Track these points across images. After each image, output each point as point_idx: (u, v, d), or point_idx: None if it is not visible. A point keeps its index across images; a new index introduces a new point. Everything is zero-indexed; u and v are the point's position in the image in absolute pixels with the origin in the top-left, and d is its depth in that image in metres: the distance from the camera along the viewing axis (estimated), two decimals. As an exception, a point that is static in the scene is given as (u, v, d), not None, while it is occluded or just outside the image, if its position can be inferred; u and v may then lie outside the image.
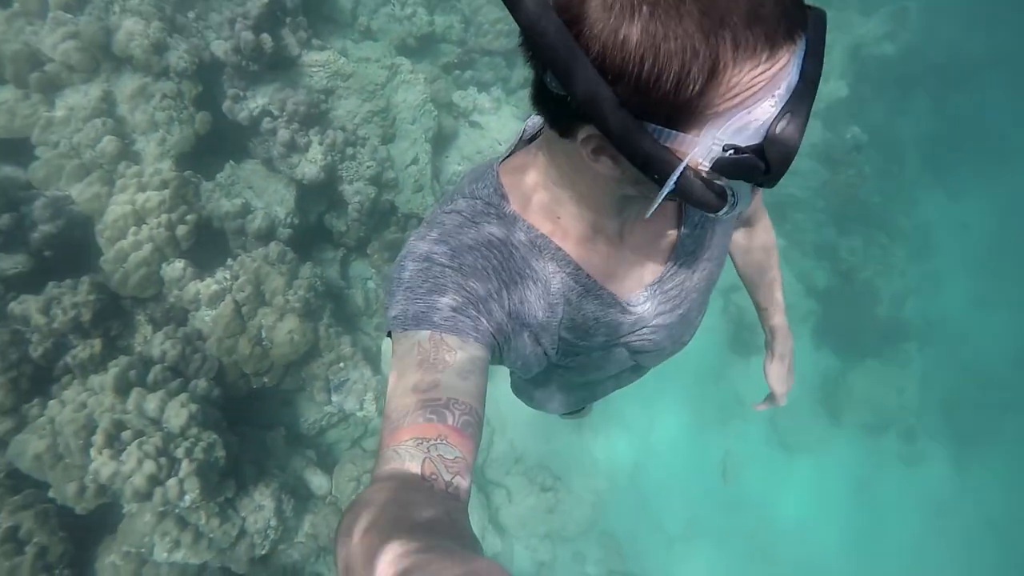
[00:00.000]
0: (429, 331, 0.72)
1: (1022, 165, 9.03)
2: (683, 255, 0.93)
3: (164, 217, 3.57)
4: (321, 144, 3.91)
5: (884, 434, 6.62)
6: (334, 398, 3.87)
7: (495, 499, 4.96)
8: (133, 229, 3.53)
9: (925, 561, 6.06)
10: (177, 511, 3.16)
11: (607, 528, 5.25)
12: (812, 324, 7.00)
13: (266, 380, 3.80)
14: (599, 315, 0.90)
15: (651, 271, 0.92)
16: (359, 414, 4.01)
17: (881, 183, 7.52)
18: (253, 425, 3.90)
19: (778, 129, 0.58)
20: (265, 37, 3.66)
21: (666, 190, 0.62)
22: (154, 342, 3.47)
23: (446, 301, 0.74)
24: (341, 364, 3.90)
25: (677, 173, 0.60)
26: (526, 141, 0.89)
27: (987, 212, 8.86)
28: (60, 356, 3.31)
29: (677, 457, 5.79)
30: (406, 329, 0.73)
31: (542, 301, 0.85)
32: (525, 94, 4.58)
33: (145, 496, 2.80)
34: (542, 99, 0.65)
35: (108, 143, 3.60)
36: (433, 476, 0.62)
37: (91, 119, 3.65)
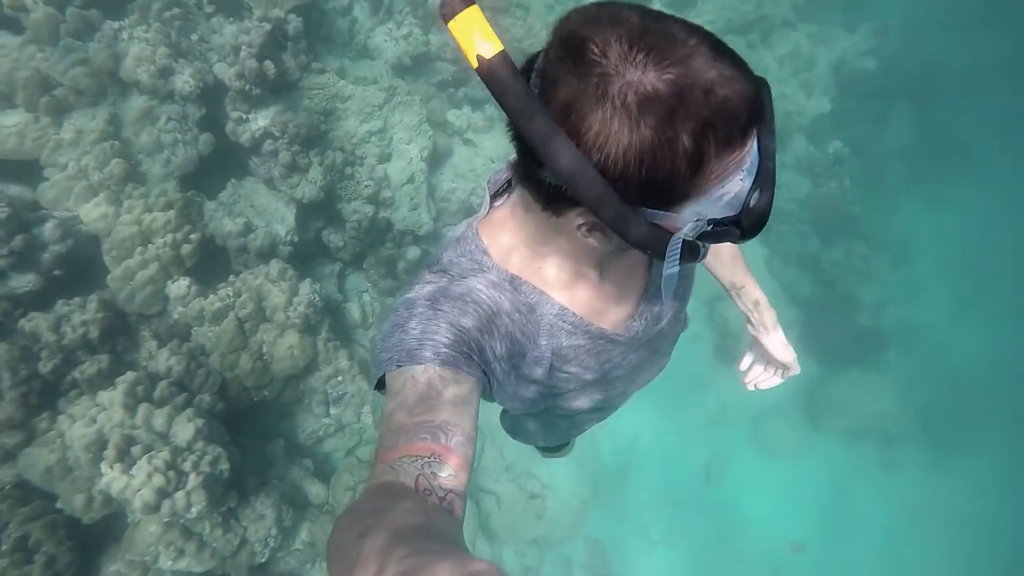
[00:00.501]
0: (424, 365, 0.76)
1: (997, 175, 9.31)
2: (656, 286, 1.03)
3: (169, 237, 3.70)
4: (321, 165, 4.05)
5: (863, 440, 6.84)
6: (332, 411, 4.02)
7: (485, 506, 5.12)
8: (139, 248, 3.67)
9: (899, 565, 6.29)
10: (182, 521, 3.30)
11: (593, 533, 5.44)
12: (796, 333, 7.19)
13: (266, 393, 3.95)
14: (588, 349, 0.96)
15: (630, 302, 1.00)
16: (355, 425, 4.16)
17: (863, 194, 7.75)
18: (254, 436, 4.04)
19: (752, 202, 0.69)
20: (268, 64, 3.80)
21: (671, 268, 0.72)
22: (159, 358, 3.60)
23: (439, 339, 0.78)
24: (339, 378, 4.05)
25: (675, 249, 0.70)
26: (494, 196, 0.95)
27: (965, 222, 9.11)
28: (68, 371, 3.44)
29: (662, 462, 5.99)
30: (400, 365, 0.76)
31: (531, 344, 0.91)
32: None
33: (154, 508, 2.94)
34: (535, 185, 0.72)
35: (116, 165, 3.73)
36: (427, 492, 0.64)
37: (99, 142, 3.78)
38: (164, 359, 3.58)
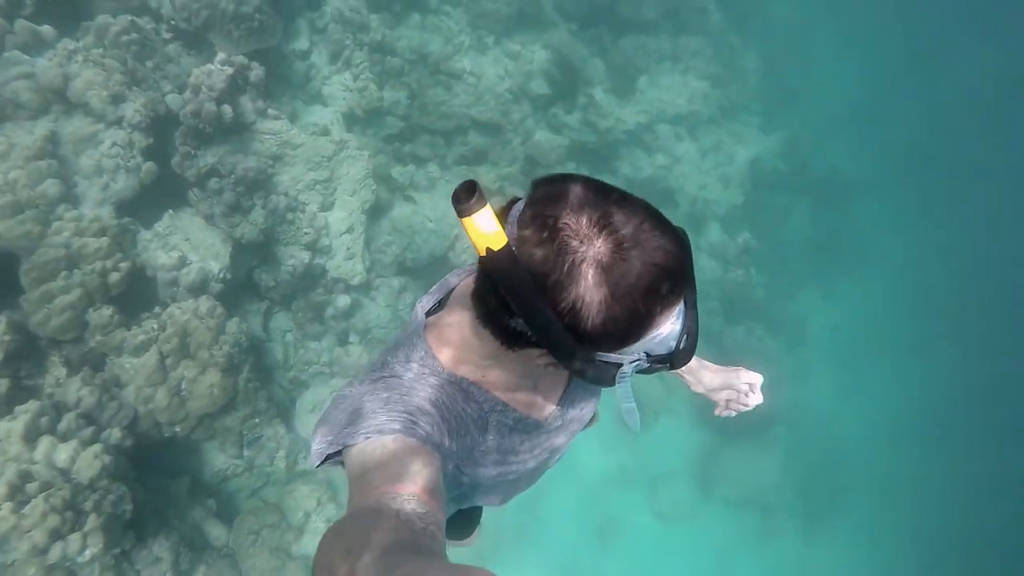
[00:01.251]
0: (393, 436, 0.83)
1: (880, 273, 10.47)
2: (574, 386, 1.16)
3: (99, 264, 3.66)
4: (264, 208, 4.13)
5: (746, 509, 7.36)
6: (246, 452, 4.01)
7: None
8: (64, 273, 3.60)
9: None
10: (68, 564, 3.19)
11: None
12: (697, 403, 7.73)
13: (178, 429, 3.90)
14: (525, 438, 1.09)
15: (556, 394, 1.13)
16: (267, 468, 4.16)
17: (767, 280, 8.50)
18: (159, 472, 3.96)
19: (681, 345, 0.83)
20: (226, 108, 3.88)
21: (625, 401, 0.87)
22: (69, 387, 3.52)
23: (402, 417, 0.86)
24: (256, 420, 4.06)
25: (624, 381, 0.83)
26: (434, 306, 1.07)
27: (851, 312, 10.13)
28: (-34, 393, 3.30)
29: (559, 521, 6.22)
30: (369, 437, 0.82)
31: (481, 438, 1.01)
32: (460, 171, 5.01)
33: (43, 551, 2.86)
34: (501, 328, 0.82)
35: (51, 186, 3.66)
36: (407, 520, 0.68)
37: (34, 159, 3.71)
38: (75, 388, 3.50)
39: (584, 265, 0.70)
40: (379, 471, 0.77)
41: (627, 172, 7.06)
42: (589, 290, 0.71)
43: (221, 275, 4.15)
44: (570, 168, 6.62)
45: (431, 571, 0.50)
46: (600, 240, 0.71)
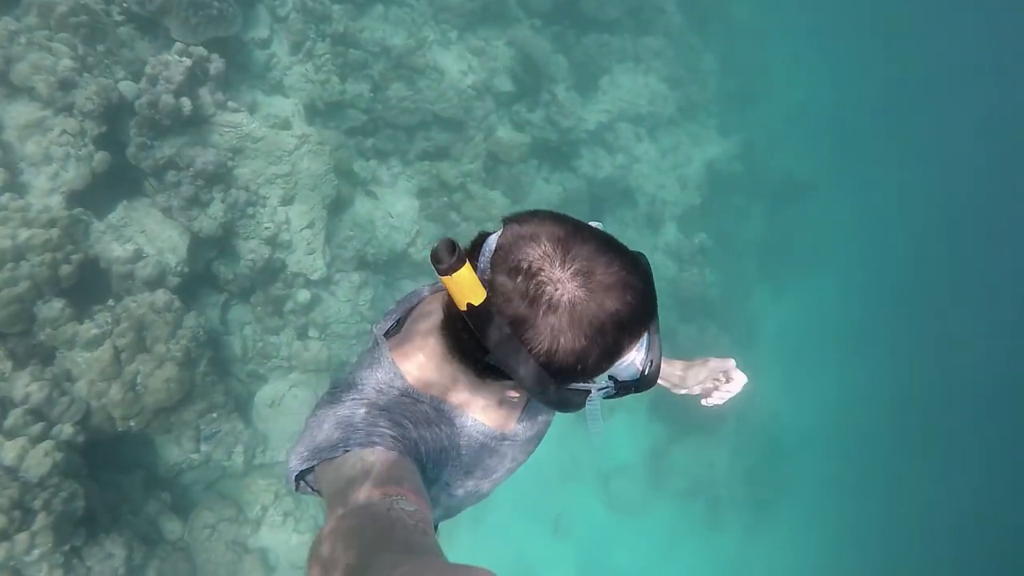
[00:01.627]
0: (373, 448, 0.85)
1: (828, 275, 10.92)
2: (533, 403, 1.27)
3: (48, 256, 3.57)
4: (223, 202, 4.09)
5: (694, 500, 7.64)
6: (203, 447, 3.99)
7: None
8: (11, 264, 3.50)
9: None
10: (12, 563, 3.13)
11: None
12: (649, 399, 7.97)
13: (132, 424, 3.84)
14: (494, 451, 1.13)
15: (518, 407, 1.16)
16: (224, 463, 4.14)
17: (721, 279, 8.77)
18: (111, 468, 3.91)
19: (646, 371, 0.88)
20: (185, 101, 3.82)
21: (593, 423, 0.91)
22: (16, 382, 3.43)
23: (379, 431, 0.89)
24: (214, 414, 4.03)
25: (594, 410, 0.87)
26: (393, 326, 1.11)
27: (800, 311, 10.55)
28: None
29: (512, 512, 6.35)
30: (348, 450, 0.84)
31: (455, 452, 1.05)
32: (421, 167, 5.05)
33: (-8, 548, 2.82)
34: (473, 362, 0.84)
35: (-5, 174, 3.55)
36: (399, 519, 0.70)
37: (-22, 145, 3.59)
38: (23, 384, 3.42)
39: (559, 310, 0.74)
40: (363, 479, 0.79)
41: (587, 171, 7.17)
42: (563, 332, 0.74)
43: (178, 268, 4.10)
44: (532, 166, 6.71)
45: (430, 570, 0.52)
46: (572, 283, 0.74)
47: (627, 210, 7.68)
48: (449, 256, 0.73)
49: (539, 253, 0.76)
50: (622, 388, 0.90)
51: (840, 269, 11.30)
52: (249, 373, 4.73)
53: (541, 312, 0.74)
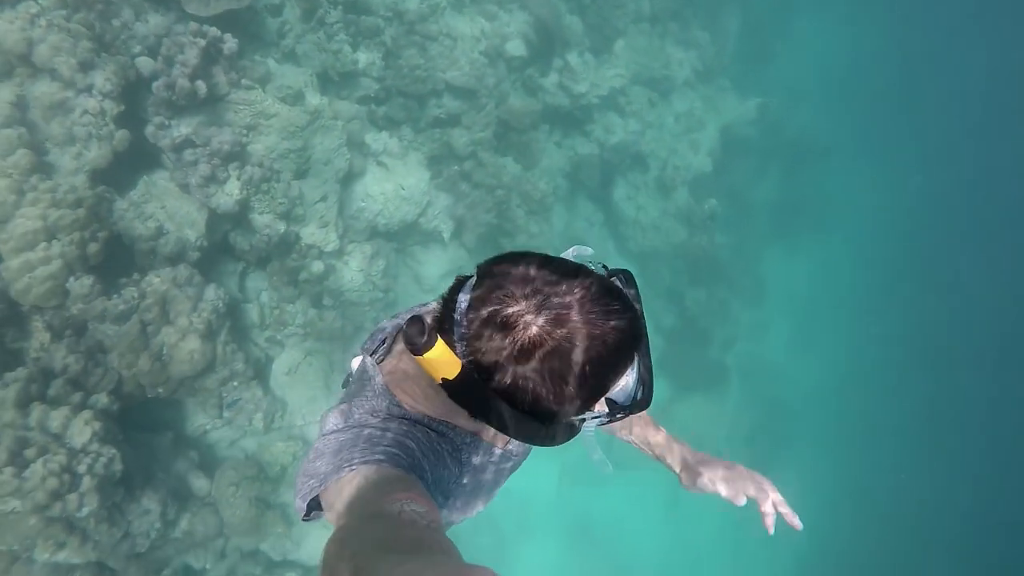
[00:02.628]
0: (376, 465, 0.86)
1: (840, 235, 10.88)
2: None
3: (76, 235, 3.75)
4: (239, 180, 4.22)
5: (696, 458, 7.93)
6: (225, 414, 4.26)
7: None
8: (43, 244, 3.69)
9: (722, 566, 7.49)
10: (67, 517, 3.46)
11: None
12: (655, 357, 8.17)
13: (160, 391, 4.12)
14: (492, 466, 1.16)
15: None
16: (246, 428, 4.43)
17: (733, 241, 8.81)
18: (143, 430, 4.21)
19: (638, 396, 0.88)
20: (200, 84, 3.91)
21: (593, 452, 0.95)
22: (55, 354, 3.69)
23: (383, 451, 0.89)
24: (234, 382, 4.29)
25: (589, 439, 0.89)
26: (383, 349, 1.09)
27: (810, 271, 10.58)
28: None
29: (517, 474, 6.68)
30: (353, 468, 0.85)
31: (456, 468, 1.05)
32: (433, 135, 5.15)
33: (44, 508, 3.12)
34: (464, 406, 0.82)
35: (23, 156, 3.70)
36: (411, 521, 0.71)
37: (3, 127, 3.72)
38: (60, 356, 3.67)
39: (544, 362, 0.73)
40: (372, 490, 0.79)
41: (600, 136, 7.17)
42: (549, 382, 0.74)
43: (198, 243, 4.28)
44: (543, 132, 6.72)
45: (430, 570, 0.53)
46: (555, 332, 0.73)
47: (638, 174, 7.69)
48: (419, 336, 0.75)
49: (521, 302, 0.75)
50: (616, 411, 0.90)
51: (854, 230, 11.22)
52: (267, 339, 4.97)
53: (519, 365, 0.74)
